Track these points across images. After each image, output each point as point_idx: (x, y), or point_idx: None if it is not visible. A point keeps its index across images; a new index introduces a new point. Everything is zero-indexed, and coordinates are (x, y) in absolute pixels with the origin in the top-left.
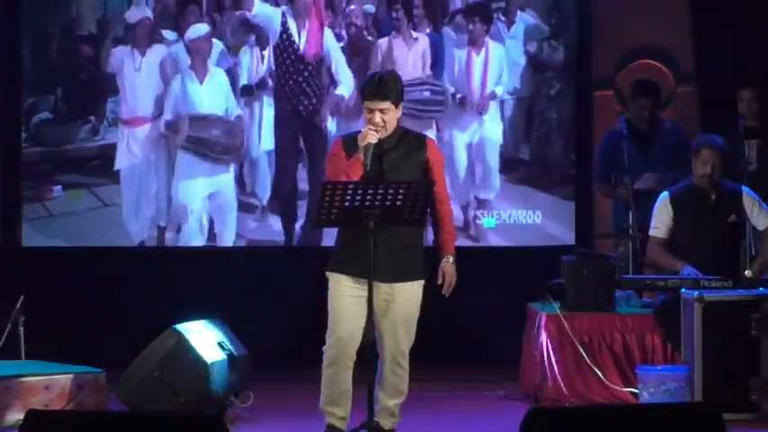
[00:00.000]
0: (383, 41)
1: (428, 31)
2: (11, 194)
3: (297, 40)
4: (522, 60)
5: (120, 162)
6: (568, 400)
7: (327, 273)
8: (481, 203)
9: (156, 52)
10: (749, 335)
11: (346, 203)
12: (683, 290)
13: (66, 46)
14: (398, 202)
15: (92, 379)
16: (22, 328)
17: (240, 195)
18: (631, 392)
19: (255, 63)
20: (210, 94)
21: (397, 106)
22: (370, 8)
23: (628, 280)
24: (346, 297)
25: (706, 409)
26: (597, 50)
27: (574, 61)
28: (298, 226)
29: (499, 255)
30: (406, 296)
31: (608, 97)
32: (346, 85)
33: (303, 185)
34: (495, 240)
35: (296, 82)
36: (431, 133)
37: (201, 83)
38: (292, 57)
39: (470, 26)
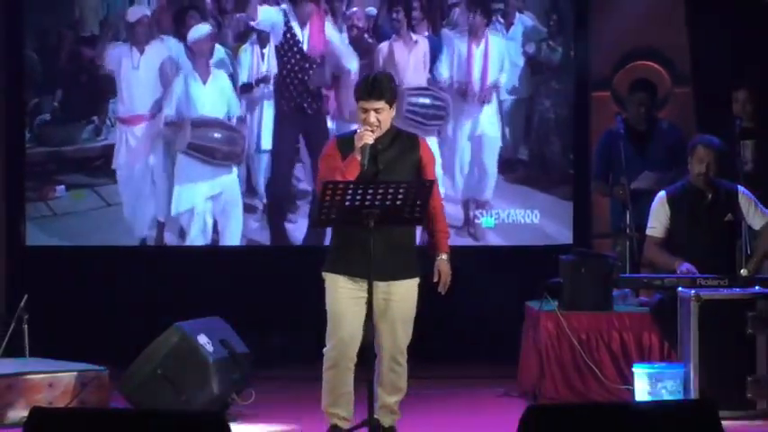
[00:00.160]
0: (384, 45)
1: (426, 34)
2: (15, 194)
3: (301, 39)
4: (521, 61)
5: (119, 160)
6: (566, 397)
7: (324, 273)
8: (480, 202)
9: (155, 50)
10: (745, 333)
11: (347, 203)
12: (679, 288)
13: (68, 47)
14: (398, 202)
15: (95, 377)
16: (26, 327)
17: (242, 197)
18: (628, 390)
19: (256, 61)
20: (213, 95)
21: (391, 106)
22: (372, 11)
23: (625, 279)
24: (346, 299)
25: (702, 406)
26: (595, 52)
27: (571, 62)
28: (297, 226)
29: (498, 254)
30: (404, 295)
31: (605, 98)
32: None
33: (305, 186)
34: (493, 240)
35: (300, 80)
36: (433, 139)
37: (204, 83)
38: (297, 56)
39: (471, 17)
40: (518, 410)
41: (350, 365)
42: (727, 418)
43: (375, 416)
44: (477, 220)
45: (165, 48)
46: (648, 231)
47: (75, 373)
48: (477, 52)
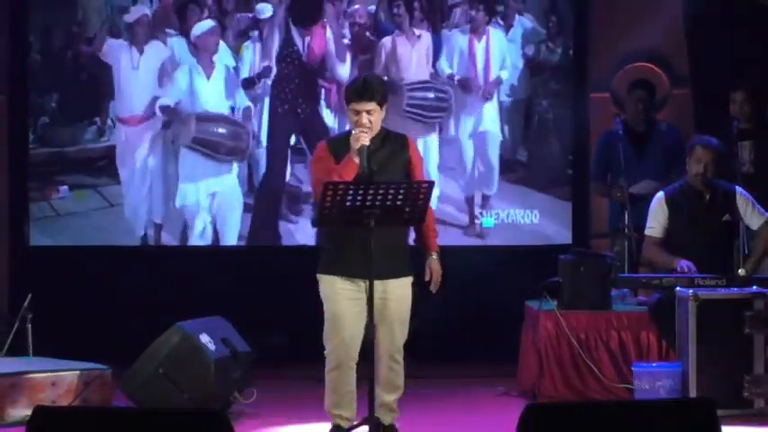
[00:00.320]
0: (386, 40)
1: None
2: (18, 195)
3: (300, 48)
4: (520, 63)
5: (119, 160)
6: (565, 396)
7: (320, 275)
8: (485, 196)
9: (155, 50)
10: (743, 332)
11: (347, 203)
12: (677, 288)
13: (72, 48)
14: (399, 202)
15: (98, 376)
16: (29, 326)
17: (243, 195)
18: (627, 389)
19: (258, 57)
20: (217, 91)
21: (381, 107)
22: (373, 8)
23: (624, 278)
24: (345, 300)
25: (700, 404)
26: (594, 53)
27: (571, 64)
28: (298, 227)
29: (497, 254)
30: (400, 293)
31: (604, 99)
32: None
33: (307, 187)
34: (493, 240)
35: (296, 85)
36: (434, 136)
37: (209, 79)
38: (295, 62)
39: (473, 13)
40: (517, 409)
41: (352, 365)
42: (725, 417)
43: (375, 414)
44: (477, 221)
45: (165, 47)
46: (647, 231)
47: (77, 372)
48: (479, 47)
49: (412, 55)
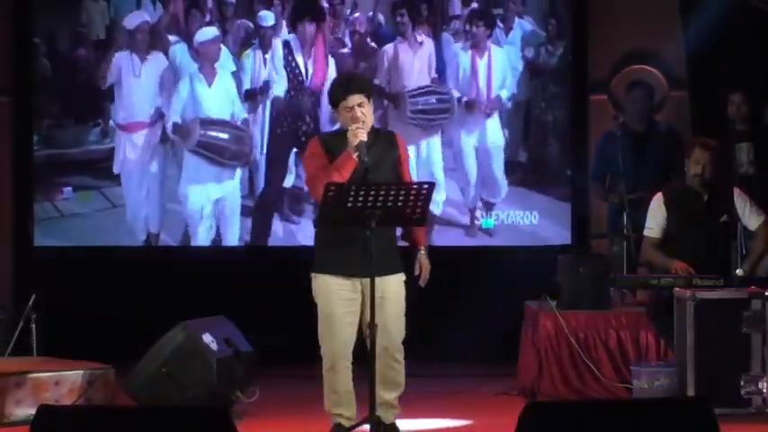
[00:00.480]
0: (389, 47)
1: (426, 37)
2: (23, 196)
3: (303, 71)
4: (520, 65)
5: (119, 166)
6: (564, 395)
7: (314, 274)
8: (488, 206)
9: (157, 58)
10: (740, 332)
11: (349, 204)
12: (675, 288)
13: (76, 52)
14: (400, 203)
15: (101, 375)
16: (33, 326)
17: (243, 198)
18: (626, 388)
19: (258, 67)
20: (219, 98)
21: (369, 99)
22: (372, 14)
23: (622, 278)
24: (340, 300)
25: (698, 403)
26: (592, 55)
27: (570, 66)
28: (299, 227)
29: (497, 254)
30: (395, 290)
31: (603, 101)
32: None
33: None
34: (493, 241)
35: (297, 108)
36: (437, 139)
37: (210, 86)
38: (297, 87)
39: (474, 29)
40: (517, 408)
41: (348, 364)
42: (723, 416)
43: (376, 413)
44: (477, 221)
45: (166, 56)
46: (645, 232)
47: (81, 371)
48: (481, 64)
49: (414, 62)
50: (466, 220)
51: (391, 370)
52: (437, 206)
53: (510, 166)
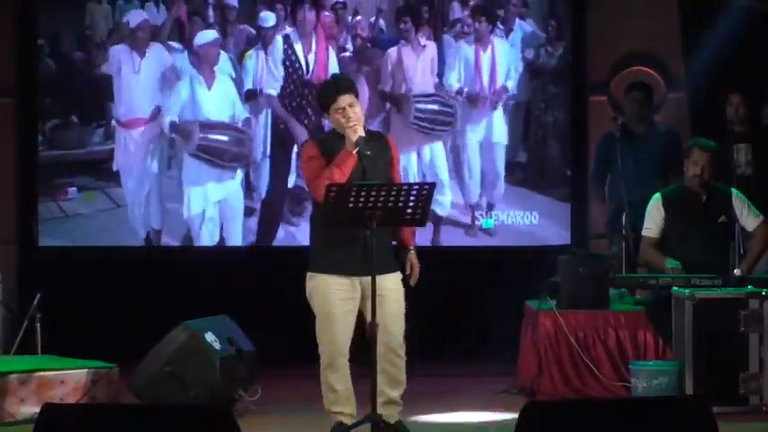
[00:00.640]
0: (392, 51)
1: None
2: (27, 196)
3: (303, 65)
4: (520, 66)
5: (118, 164)
6: (564, 394)
7: (311, 274)
8: (490, 204)
9: (155, 54)
10: (738, 331)
11: (350, 204)
12: (674, 288)
13: (80, 53)
14: (400, 204)
15: (105, 373)
16: (38, 325)
17: (245, 199)
18: (624, 386)
19: (260, 68)
20: (218, 100)
21: (357, 98)
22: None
23: (621, 278)
24: (338, 299)
25: (696, 402)
26: (592, 57)
27: (569, 67)
28: (300, 228)
29: (497, 254)
30: (394, 288)
31: (603, 102)
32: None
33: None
34: (493, 241)
35: (298, 103)
36: (439, 144)
37: (210, 89)
38: (297, 81)
39: (476, 24)
40: (518, 406)
41: (345, 362)
42: (721, 414)
43: (378, 411)
44: (477, 222)
45: (167, 53)
46: (644, 232)
47: (85, 370)
48: (485, 57)
49: (417, 65)
50: (466, 219)
51: (393, 366)
52: (443, 208)
53: (510, 167)
